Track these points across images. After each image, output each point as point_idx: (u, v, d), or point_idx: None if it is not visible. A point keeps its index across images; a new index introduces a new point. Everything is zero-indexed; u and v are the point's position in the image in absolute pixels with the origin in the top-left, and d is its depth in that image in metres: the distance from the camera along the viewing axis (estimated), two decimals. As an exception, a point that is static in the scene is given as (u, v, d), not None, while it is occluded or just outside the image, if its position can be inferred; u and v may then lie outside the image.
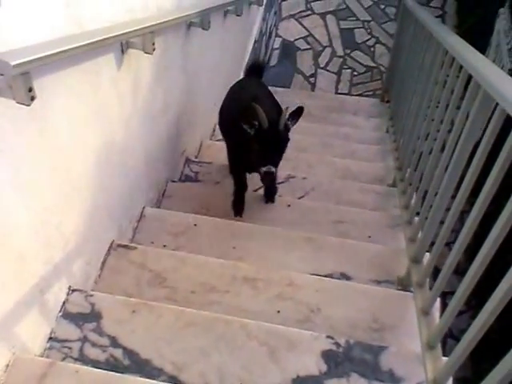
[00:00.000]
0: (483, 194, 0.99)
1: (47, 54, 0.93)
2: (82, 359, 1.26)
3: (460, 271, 1.11)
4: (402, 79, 2.70)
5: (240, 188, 2.01)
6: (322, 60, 4.43)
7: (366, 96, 4.20)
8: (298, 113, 1.64)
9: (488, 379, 0.82)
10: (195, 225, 1.87)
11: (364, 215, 2.06)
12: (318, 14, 4.55)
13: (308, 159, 2.59)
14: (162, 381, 1.21)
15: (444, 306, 1.17)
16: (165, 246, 1.79)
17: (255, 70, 2.27)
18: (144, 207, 1.90)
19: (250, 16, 3.46)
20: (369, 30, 4.50)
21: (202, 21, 2.05)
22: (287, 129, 1.64)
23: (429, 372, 1.12)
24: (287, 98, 2.75)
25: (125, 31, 1.29)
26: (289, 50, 4.47)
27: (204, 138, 2.74)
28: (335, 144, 2.90)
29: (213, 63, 2.68)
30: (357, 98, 4.05)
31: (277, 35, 4.52)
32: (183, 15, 1.82)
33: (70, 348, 1.28)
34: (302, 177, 2.34)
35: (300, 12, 4.56)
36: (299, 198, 2.24)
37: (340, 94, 4.31)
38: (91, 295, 1.39)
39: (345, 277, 1.69)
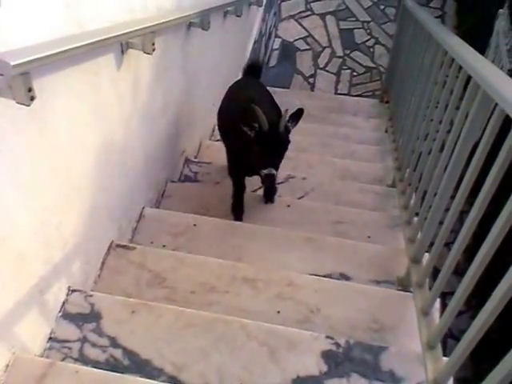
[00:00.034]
0: (482, 195, 0.99)
1: (47, 54, 0.93)
2: (82, 359, 1.26)
3: (459, 271, 1.11)
4: (402, 80, 2.70)
5: (239, 190, 2.00)
6: (322, 60, 4.43)
7: (366, 96, 4.20)
8: (298, 114, 1.63)
9: (488, 379, 0.82)
10: (195, 225, 1.87)
11: (363, 215, 2.06)
12: (317, 14, 4.55)
13: (307, 159, 2.59)
14: (162, 381, 1.21)
15: (444, 306, 1.17)
16: (164, 246, 1.79)
17: (253, 70, 2.26)
18: (143, 207, 1.90)
19: (250, 16, 3.46)
20: (368, 31, 4.50)
21: (201, 21, 2.05)
22: (287, 131, 1.63)
23: (429, 372, 1.12)
24: (287, 99, 2.76)
25: (125, 31, 1.30)
26: (288, 51, 4.47)
27: (203, 138, 2.74)
28: (335, 144, 2.90)
29: (212, 63, 2.68)
30: (356, 98, 4.04)
31: (276, 36, 4.51)
32: (183, 15, 1.82)
33: (69, 348, 1.28)
34: (301, 177, 2.34)
35: (299, 12, 4.56)
36: (299, 199, 2.24)
37: (339, 94, 4.31)
38: (91, 295, 1.39)
39: (344, 277, 1.69)
